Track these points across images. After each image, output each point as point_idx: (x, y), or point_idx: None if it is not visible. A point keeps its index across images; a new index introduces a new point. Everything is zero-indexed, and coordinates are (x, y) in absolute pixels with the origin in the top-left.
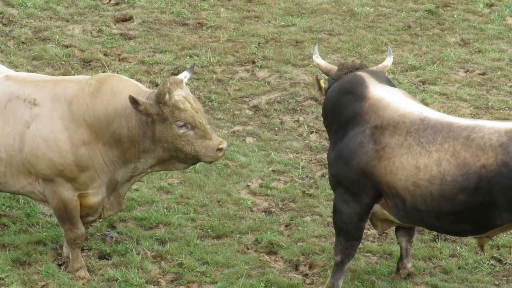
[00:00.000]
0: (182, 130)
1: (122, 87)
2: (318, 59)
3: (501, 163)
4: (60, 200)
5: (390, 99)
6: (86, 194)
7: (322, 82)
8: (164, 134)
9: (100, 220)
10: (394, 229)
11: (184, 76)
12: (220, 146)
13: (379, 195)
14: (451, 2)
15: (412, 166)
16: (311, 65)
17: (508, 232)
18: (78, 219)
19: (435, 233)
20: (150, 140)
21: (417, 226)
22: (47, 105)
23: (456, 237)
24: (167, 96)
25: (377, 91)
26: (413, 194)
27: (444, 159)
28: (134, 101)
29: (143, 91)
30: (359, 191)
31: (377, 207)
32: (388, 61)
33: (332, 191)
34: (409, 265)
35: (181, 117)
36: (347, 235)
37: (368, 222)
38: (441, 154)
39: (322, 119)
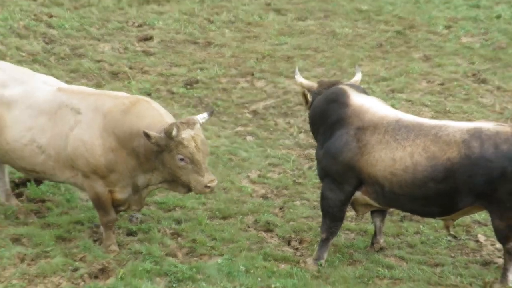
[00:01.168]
0: (182, 163)
1: (148, 114)
2: (300, 79)
3: (464, 156)
4: (95, 193)
5: (369, 105)
6: (114, 190)
7: (308, 96)
8: (169, 162)
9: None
10: (370, 212)
11: (203, 117)
12: (209, 184)
13: (360, 184)
14: (415, 24)
15: (390, 159)
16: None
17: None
18: (110, 207)
19: (402, 214)
20: (160, 162)
21: (393, 208)
22: (89, 114)
23: (421, 217)
24: (174, 132)
25: (357, 99)
26: (391, 181)
27: (416, 152)
28: (146, 135)
29: (163, 121)
30: (343, 181)
31: (358, 194)
32: (358, 77)
33: (318, 181)
34: (381, 240)
35: (182, 152)
36: (332, 217)
37: (349, 206)
38: (413, 148)
39: (309, 124)
